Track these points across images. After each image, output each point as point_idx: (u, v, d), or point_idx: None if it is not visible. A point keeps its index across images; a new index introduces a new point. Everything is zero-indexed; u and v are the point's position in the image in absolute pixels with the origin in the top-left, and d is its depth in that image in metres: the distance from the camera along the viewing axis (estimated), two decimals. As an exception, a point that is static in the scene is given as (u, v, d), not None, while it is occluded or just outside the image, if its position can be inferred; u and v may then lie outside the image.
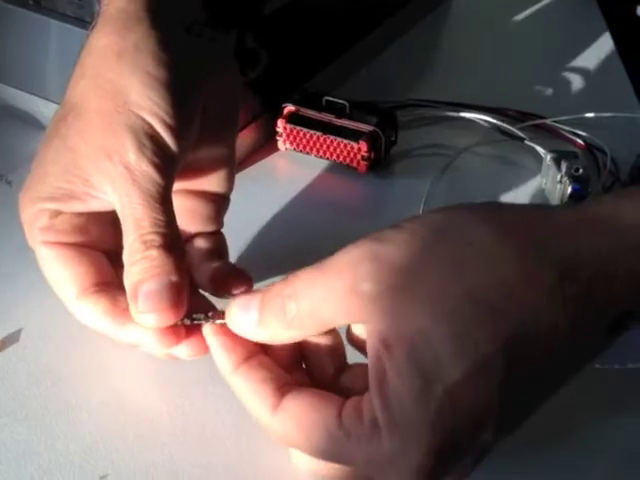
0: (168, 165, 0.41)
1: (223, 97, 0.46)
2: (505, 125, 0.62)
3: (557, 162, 0.57)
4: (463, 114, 0.63)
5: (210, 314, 0.40)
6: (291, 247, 0.53)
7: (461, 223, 0.36)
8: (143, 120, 0.41)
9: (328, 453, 0.37)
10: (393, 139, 0.60)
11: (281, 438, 0.38)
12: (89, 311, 0.42)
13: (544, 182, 0.59)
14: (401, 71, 0.70)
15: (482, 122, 0.63)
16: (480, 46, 0.75)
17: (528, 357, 0.35)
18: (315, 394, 0.37)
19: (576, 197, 0.55)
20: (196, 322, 0.40)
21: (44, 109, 0.59)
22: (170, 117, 0.41)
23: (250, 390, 0.38)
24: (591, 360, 0.37)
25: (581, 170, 0.56)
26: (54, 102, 0.59)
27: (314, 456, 0.38)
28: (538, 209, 0.39)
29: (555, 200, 0.56)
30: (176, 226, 0.41)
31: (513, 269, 0.35)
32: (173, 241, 0.40)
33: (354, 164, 0.58)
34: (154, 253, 0.39)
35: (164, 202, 0.41)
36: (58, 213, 0.43)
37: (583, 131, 0.61)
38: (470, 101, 0.63)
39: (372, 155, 0.58)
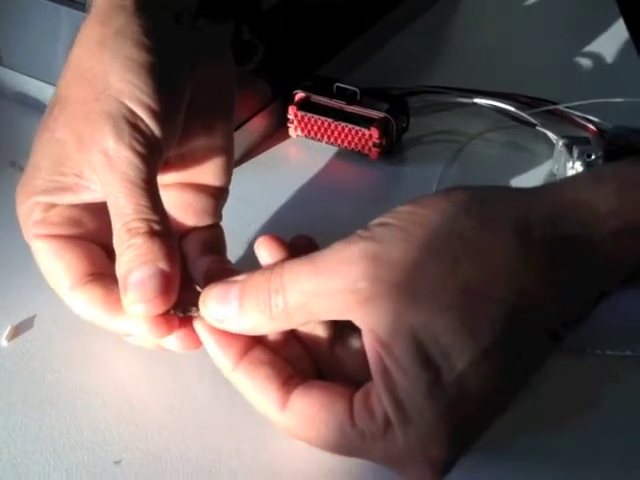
0: (150, 150, 0.40)
1: (215, 87, 0.45)
2: (516, 111, 0.62)
3: (569, 148, 0.57)
4: (474, 100, 0.63)
5: (184, 307, 0.40)
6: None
7: (449, 216, 0.37)
8: (122, 104, 0.40)
9: (342, 450, 0.37)
10: (404, 125, 0.60)
11: (291, 434, 0.38)
12: (82, 301, 0.42)
13: (556, 168, 0.58)
14: (412, 57, 0.70)
15: (493, 108, 0.62)
16: (491, 31, 0.74)
17: (525, 339, 0.36)
18: (322, 390, 0.37)
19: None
20: (188, 314, 0.40)
21: (56, 97, 0.59)
22: (152, 100, 0.40)
23: (255, 389, 0.38)
24: (575, 329, 0.38)
25: (593, 156, 0.55)
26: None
27: (330, 452, 0.38)
28: (519, 192, 0.39)
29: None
30: (162, 212, 0.40)
31: (503, 257, 0.36)
32: (159, 227, 0.39)
33: (365, 151, 0.58)
34: (139, 241, 0.39)
35: (147, 188, 0.39)
36: (52, 206, 0.42)
37: (595, 116, 0.61)
38: (481, 87, 0.63)
39: (383, 142, 0.58)
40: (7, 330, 0.46)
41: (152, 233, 0.39)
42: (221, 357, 0.39)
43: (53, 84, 0.58)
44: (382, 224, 0.37)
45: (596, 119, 0.61)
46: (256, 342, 0.39)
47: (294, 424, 0.37)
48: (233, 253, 0.51)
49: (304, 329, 0.39)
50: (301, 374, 0.39)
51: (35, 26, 0.57)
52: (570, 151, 0.56)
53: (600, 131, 0.60)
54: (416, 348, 0.35)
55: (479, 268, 0.35)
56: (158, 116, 0.40)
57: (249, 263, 0.49)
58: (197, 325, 0.39)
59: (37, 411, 0.42)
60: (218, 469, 0.40)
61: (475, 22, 0.76)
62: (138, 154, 0.39)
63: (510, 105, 0.62)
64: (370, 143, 0.58)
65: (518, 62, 0.70)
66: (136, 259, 0.39)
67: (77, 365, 0.44)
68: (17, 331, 0.46)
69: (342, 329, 0.40)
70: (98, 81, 0.40)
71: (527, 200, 0.38)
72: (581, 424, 0.43)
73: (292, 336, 0.40)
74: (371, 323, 0.36)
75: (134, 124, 0.40)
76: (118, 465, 0.40)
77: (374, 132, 0.57)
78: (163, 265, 0.39)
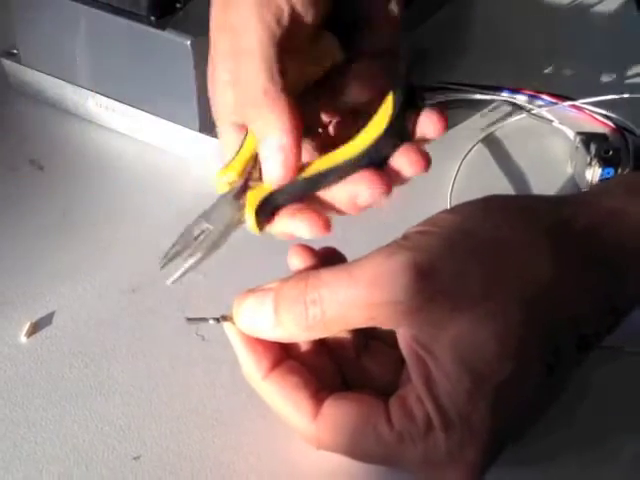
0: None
1: None
2: (533, 106, 0.62)
3: (586, 144, 0.56)
4: (491, 96, 0.63)
5: (220, 316, 0.39)
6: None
7: (491, 226, 0.37)
8: None
9: (377, 456, 0.37)
10: (420, 122, 0.59)
11: (323, 444, 0.38)
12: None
13: (573, 164, 0.58)
14: (429, 54, 0.69)
15: (510, 104, 0.62)
16: (509, 27, 0.74)
17: (561, 348, 0.36)
18: (354, 398, 0.37)
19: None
20: (223, 321, 0.39)
21: (73, 95, 0.60)
22: None
23: (285, 398, 0.38)
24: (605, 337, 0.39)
25: (611, 152, 0.55)
26: (83, 87, 0.59)
27: (361, 460, 0.38)
28: (557, 201, 0.39)
29: (585, 182, 0.56)
30: (283, 71, 0.37)
31: (547, 268, 0.36)
32: (275, 91, 0.37)
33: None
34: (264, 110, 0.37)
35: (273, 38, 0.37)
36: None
37: (612, 112, 0.60)
38: (498, 83, 0.63)
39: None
40: (26, 326, 0.46)
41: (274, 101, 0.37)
42: (252, 366, 0.38)
43: (70, 82, 0.59)
44: (422, 232, 0.37)
45: (614, 115, 0.60)
46: (286, 353, 0.39)
47: (326, 433, 0.37)
48: (246, 248, 0.51)
49: (331, 339, 0.39)
50: (329, 387, 0.38)
51: (54, 25, 0.58)
52: (587, 147, 0.56)
53: (617, 127, 0.60)
54: (460, 354, 0.35)
55: (525, 280, 0.36)
56: None
57: (264, 258, 0.49)
58: (229, 332, 0.39)
59: (56, 407, 0.42)
60: (237, 465, 0.40)
61: (493, 18, 0.76)
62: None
63: (526, 101, 0.62)
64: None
65: (535, 58, 0.69)
66: (261, 129, 0.37)
67: (96, 361, 0.45)
68: (36, 327, 0.46)
69: (368, 338, 0.39)
70: None
71: (567, 209, 0.38)
72: (619, 423, 0.42)
73: (320, 345, 0.39)
74: (413, 330, 0.36)
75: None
76: (137, 461, 0.40)
77: (390, 129, 0.57)
78: (286, 138, 0.37)
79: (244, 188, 0.40)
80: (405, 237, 0.37)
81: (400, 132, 0.39)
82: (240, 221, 0.39)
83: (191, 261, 0.38)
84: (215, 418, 0.42)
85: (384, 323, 0.36)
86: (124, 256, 0.51)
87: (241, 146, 0.41)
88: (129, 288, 0.49)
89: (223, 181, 0.41)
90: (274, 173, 0.38)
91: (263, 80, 0.37)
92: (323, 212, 0.38)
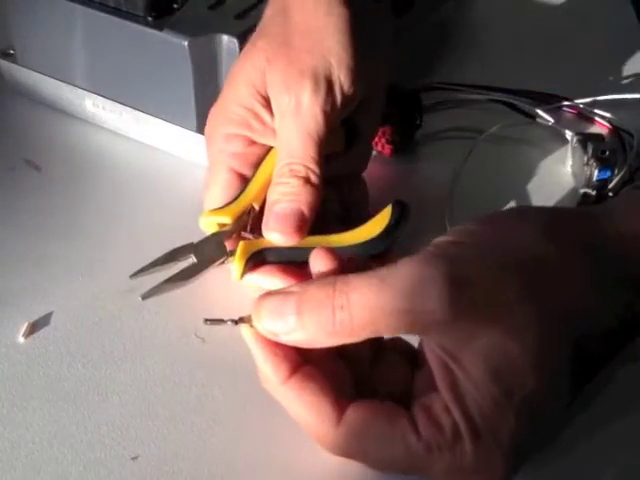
0: (336, 111, 0.45)
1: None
2: (530, 107, 0.62)
3: (583, 144, 0.57)
4: (488, 97, 0.63)
5: (238, 318, 0.39)
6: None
7: (525, 239, 0.37)
8: (328, 62, 0.45)
9: (402, 465, 0.37)
10: (418, 122, 0.59)
11: (343, 451, 0.37)
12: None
13: (570, 164, 0.58)
14: (426, 54, 0.69)
15: (507, 104, 0.62)
16: (506, 28, 0.74)
17: (590, 365, 0.37)
18: (379, 406, 0.37)
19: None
20: (241, 323, 0.38)
21: (70, 95, 0.60)
22: (354, 61, 0.45)
23: (306, 403, 0.37)
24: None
25: (607, 152, 0.55)
26: (80, 87, 0.59)
27: (381, 469, 0.38)
28: (590, 215, 0.40)
29: (582, 183, 0.56)
30: (321, 167, 0.45)
31: (581, 285, 0.36)
32: (315, 179, 0.45)
33: (379, 148, 0.58)
34: (295, 182, 0.45)
35: (319, 144, 0.45)
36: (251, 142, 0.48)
37: (609, 113, 0.61)
38: (495, 83, 0.63)
39: (397, 138, 0.58)
40: (24, 327, 0.46)
41: (307, 181, 0.45)
42: (270, 371, 0.37)
43: (67, 82, 0.59)
44: (454, 242, 0.37)
45: (610, 115, 0.61)
46: (304, 360, 0.38)
47: (350, 439, 0.37)
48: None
49: (347, 347, 0.38)
50: (345, 395, 0.38)
51: (50, 25, 0.57)
52: (584, 148, 0.56)
53: (614, 128, 0.60)
54: (489, 363, 0.35)
55: (554, 293, 0.36)
56: (355, 76, 0.45)
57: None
58: (246, 335, 0.38)
59: (54, 407, 0.42)
60: (236, 465, 0.40)
61: (489, 18, 0.76)
62: (325, 114, 0.45)
63: (524, 102, 0.62)
64: (384, 140, 0.58)
65: (532, 58, 0.69)
66: (286, 195, 0.45)
67: (94, 362, 0.45)
68: (34, 328, 0.46)
69: (382, 348, 0.39)
70: (312, 35, 0.45)
71: (600, 225, 0.38)
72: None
73: (336, 353, 0.39)
74: (442, 338, 0.36)
75: (331, 84, 0.45)
76: (135, 461, 0.40)
77: (387, 129, 0.57)
78: (304, 209, 0.45)
79: (233, 234, 0.46)
80: (436, 246, 0.37)
81: (387, 242, 0.44)
82: (222, 262, 0.45)
83: (168, 285, 0.43)
84: (213, 419, 0.42)
85: (413, 331, 0.36)
86: (122, 257, 0.51)
87: (240, 193, 0.47)
88: (127, 289, 0.48)
89: (211, 221, 0.47)
90: (283, 235, 0.44)
91: (315, 162, 0.45)
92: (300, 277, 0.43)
